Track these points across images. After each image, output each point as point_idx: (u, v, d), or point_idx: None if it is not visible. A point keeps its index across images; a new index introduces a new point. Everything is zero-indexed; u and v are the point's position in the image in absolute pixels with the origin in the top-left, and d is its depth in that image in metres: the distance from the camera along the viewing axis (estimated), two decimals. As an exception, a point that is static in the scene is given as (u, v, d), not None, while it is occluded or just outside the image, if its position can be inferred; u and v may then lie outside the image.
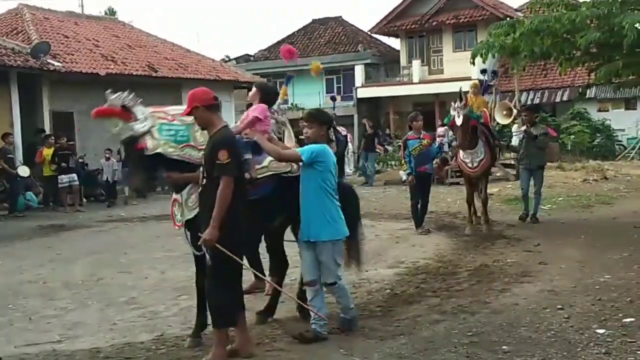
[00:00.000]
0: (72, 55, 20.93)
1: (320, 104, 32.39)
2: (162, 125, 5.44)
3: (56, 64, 19.27)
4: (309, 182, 5.53)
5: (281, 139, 6.32)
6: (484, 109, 11.45)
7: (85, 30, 23.87)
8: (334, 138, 20.88)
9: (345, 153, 20.60)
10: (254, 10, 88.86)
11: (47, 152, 16.85)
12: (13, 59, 18.23)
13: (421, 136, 11.22)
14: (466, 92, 11.26)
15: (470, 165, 10.81)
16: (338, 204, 5.63)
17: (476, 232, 10.78)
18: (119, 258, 10.08)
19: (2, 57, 17.96)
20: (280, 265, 6.48)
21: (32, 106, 19.15)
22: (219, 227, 4.96)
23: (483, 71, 13.81)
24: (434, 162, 12.04)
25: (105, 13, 41.71)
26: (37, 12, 23.32)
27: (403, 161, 11.99)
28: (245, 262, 5.58)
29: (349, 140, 22.14)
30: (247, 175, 5.56)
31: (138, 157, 5.50)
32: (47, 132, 18.53)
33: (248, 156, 5.68)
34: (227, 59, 38.93)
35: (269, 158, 5.79)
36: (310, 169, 5.52)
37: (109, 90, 5.68)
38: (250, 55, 40.47)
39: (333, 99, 22.78)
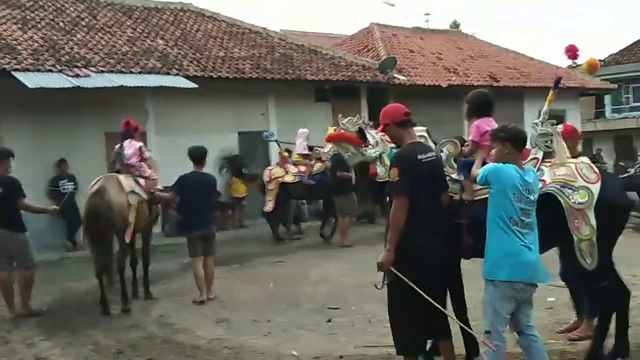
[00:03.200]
0: (416, 68, 21.74)
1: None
2: (392, 150, 5.27)
3: (401, 77, 20.18)
4: (488, 208, 4.70)
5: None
6: None
7: (430, 44, 24.66)
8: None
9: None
10: (608, 10, 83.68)
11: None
12: (363, 74, 19.55)
13: None
14: None
15: None
16: (522, 239, 4.56)
17: None
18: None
19: (354, 73, 19.39)
20: None
21: (378, 118, 20.23)
22: (394, 250, 4.65)
23: None
24: None
25: (450, 26, 42.60)
26: (386, 30, 24.73)
27: None
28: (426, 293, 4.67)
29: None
30: (456, 197, 5.27)
31: (369, 182, 5.51)
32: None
33: (460, 177, 5.31)
34: (574, 65, 37.13)
35: None
36: (489, 193, 4.73)
37: (340, 115, 5.77)
38: (601, 60, 38.10)
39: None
